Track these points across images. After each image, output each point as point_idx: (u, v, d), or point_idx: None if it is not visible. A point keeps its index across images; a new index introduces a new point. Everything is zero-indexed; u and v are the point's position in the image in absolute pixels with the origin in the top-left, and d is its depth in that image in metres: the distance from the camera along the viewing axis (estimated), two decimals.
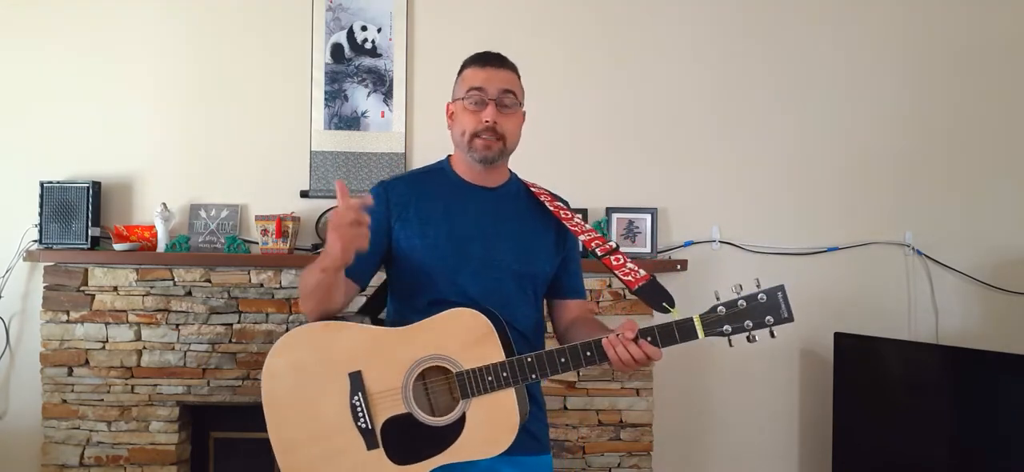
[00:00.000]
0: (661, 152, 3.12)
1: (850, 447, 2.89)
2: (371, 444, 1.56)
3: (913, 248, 3.11)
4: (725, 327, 1.49)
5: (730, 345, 1.49)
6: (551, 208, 1.72)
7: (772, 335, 1.49)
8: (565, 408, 2.90)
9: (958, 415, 2.70)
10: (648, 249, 2.99)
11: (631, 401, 2.92)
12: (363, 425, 1.56)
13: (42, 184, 2.90)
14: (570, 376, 2.88)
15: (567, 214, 1.72)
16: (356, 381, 1.58)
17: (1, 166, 3.03)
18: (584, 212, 2.97)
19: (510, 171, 1.78)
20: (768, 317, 1.48)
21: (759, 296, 1.48)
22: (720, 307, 1.49)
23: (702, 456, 3.11)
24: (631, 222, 3.02)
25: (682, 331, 1.49)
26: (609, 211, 3.02)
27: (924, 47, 3.15)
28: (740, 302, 1.49)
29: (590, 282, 2.77)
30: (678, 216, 3.10)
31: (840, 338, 2.92)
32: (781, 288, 1.48)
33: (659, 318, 1.53)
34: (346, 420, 1.57)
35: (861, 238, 3.11)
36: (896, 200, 3.13)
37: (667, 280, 2.97)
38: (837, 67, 3.14)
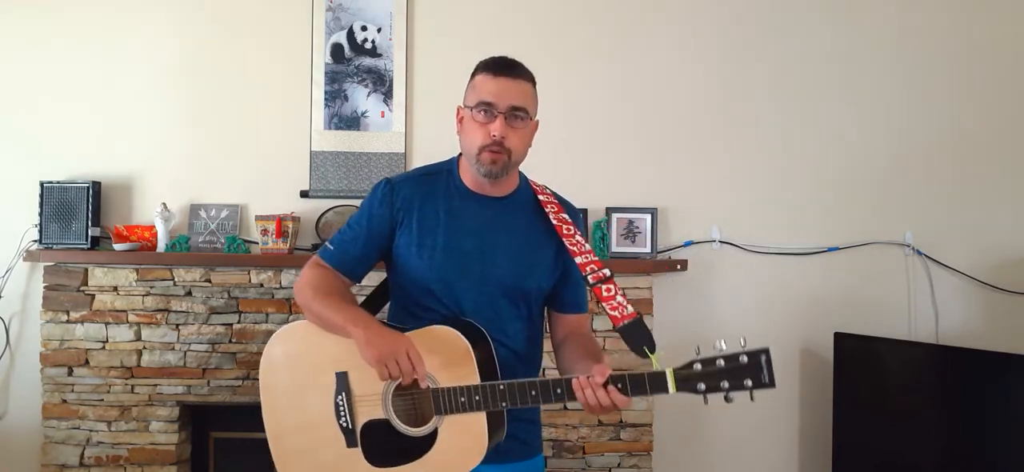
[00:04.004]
0: (661, 152, 3.11)
1: (850, 447, 2.89)
2: (351, 442, 1.61)
3: (913, 248, 3.10)
4: (699, 385, 1.43)
5: (705, 403, 1.43)
6: (555, 223, 1.67)
7: (751, 398, 1.40)
8: (565, 408, 2.89)
9: (958, 415, 2.70)
10: (648, 249, 2.98)
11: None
12: (344, 424, 1.61)
13: (42, 184, 2.90)
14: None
15: (569, 231, 1.67)
16: (342, 381, 1.62)
17: (1, 166, 3.04)
18: (584, 212, 2.97)
19: (521, 174, 1.73)
20: (747, 380, 1.40)
21: (740, 357, 1.41)
22: (697, 363, 1.43)
23: (702, 456, 3.11)
24: (631, 222, 3.01)
25: (653, 383, 1.45)
26: (609, 211, 3.02)
27: (924, 46, 3.14)
28: (719, 361, 1.42)
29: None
30: (678, 216, 3.09)
31: (840, 338, 2.92)
32: (765, 351, 1.40)
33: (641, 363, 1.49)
34: (329, 416, 1.62)
35: (861, 238, 3.11)
36: (896, 200, 3.12)
37: (667, 280, 2.98)
38: (837, 66, 3.14)
